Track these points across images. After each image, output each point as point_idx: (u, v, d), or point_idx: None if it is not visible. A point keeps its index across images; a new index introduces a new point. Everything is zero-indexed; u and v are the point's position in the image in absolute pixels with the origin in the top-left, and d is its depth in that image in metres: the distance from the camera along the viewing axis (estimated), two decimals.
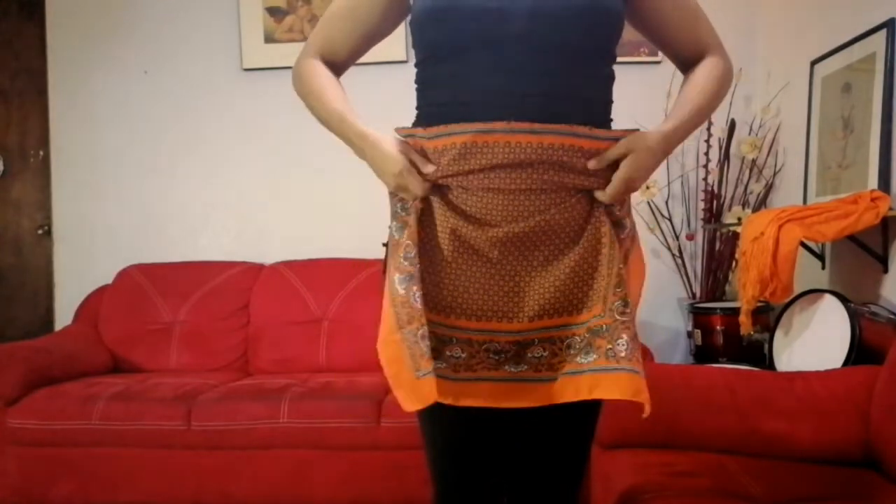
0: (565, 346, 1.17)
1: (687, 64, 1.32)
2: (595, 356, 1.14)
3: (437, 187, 1.17)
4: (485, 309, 1.18)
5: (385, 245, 1.25)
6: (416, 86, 1.26)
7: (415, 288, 1.14)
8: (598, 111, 1.22)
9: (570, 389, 1.16)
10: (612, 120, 1.26)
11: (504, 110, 1.13)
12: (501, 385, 1.18)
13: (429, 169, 1.15)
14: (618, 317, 1.13)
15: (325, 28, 1.31)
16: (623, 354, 1.11)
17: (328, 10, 1.31)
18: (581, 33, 1.15)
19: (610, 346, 1.12)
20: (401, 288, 1.15)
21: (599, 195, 1.16)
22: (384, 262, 1.25)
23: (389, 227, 1.24)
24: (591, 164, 1.14)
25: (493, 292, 1.17)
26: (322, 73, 1.29)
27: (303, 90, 1.30)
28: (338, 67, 1.32)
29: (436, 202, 1.17)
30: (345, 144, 1.26)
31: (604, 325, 1.14)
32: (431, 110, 1.22)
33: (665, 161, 3.19)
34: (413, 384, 1.11)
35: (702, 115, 1.25)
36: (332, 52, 1.30)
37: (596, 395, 1.13)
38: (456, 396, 1.17)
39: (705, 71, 1.27)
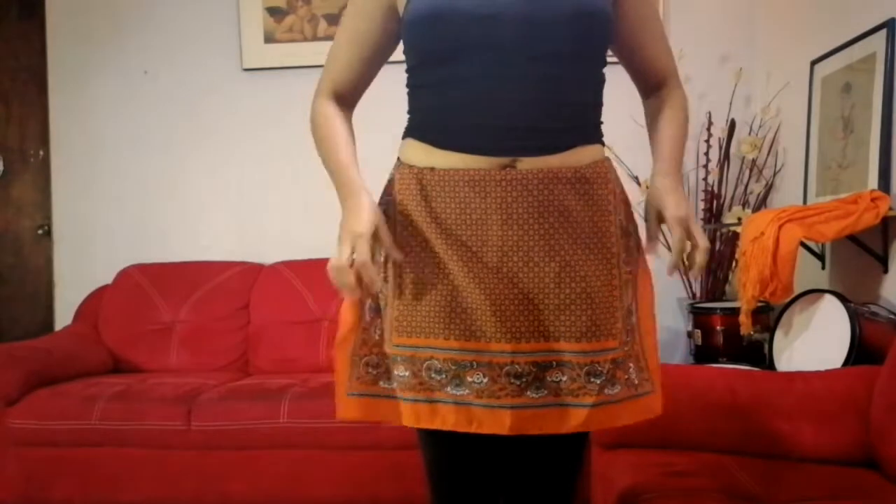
0: (584, 372, 1.16)
1: (649, 83, 1.33)
2: (620, 387, 1.18)
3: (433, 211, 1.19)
4: (502, 329, 1.16)
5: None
6: (407, 90, 1.26)
7: (378, 320, 1.24)
8: (588, 115, 1.23)
9: (605, 417, 1.18)
10: (602, 122, 1.26)
11: (495, 118, 1.14)
12: (526, 412, 1.17)
13: (391, 250, 1.20)
14: (626, 348, 1.19)
15: (332, 63, 1.30)
16: (636, 382, 1.20)
17: (331, 48, 1.31)
18: (572, 38, 1.15)
19: (627, 377, 1.19)
20: (367, 314, 1.26)
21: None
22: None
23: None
24: (647, 248, 1.25)
25: (506, 307, 1.15)
26: (333, 118, 1.28)
27: (316, 135, 1.30)
28: (350, 100, 1.32)
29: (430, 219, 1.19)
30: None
31: (621, 358, 1.18)
32: (426, 117, 1.22)
33: None
34: (340, 399, 1.27)
35: (682, 149, 1.33)
36: (343, 84, 1.29)
37: (622, 423, 1.20)
38: (479, 424, 1.17)
39: (675, 108, 1.31)
